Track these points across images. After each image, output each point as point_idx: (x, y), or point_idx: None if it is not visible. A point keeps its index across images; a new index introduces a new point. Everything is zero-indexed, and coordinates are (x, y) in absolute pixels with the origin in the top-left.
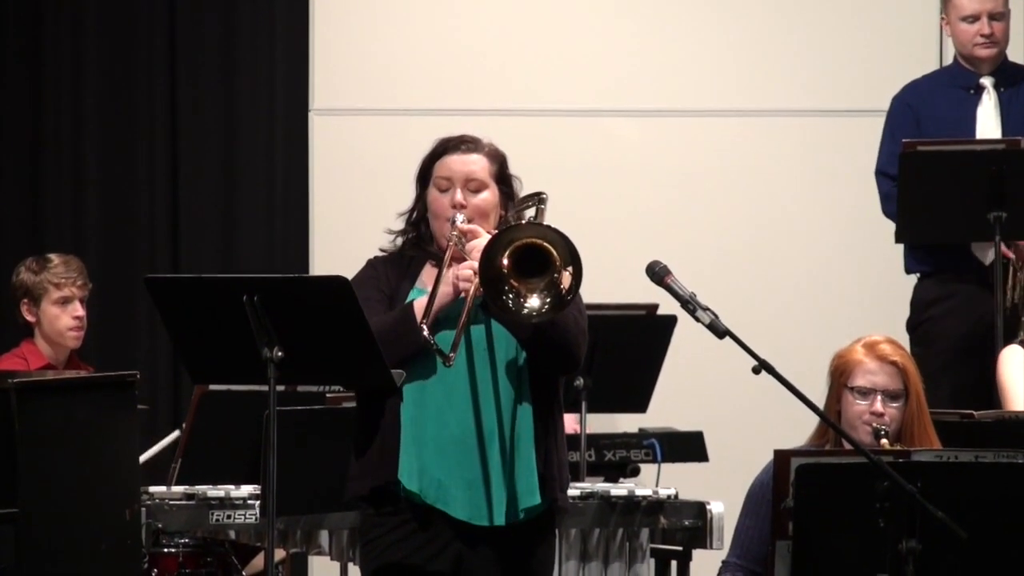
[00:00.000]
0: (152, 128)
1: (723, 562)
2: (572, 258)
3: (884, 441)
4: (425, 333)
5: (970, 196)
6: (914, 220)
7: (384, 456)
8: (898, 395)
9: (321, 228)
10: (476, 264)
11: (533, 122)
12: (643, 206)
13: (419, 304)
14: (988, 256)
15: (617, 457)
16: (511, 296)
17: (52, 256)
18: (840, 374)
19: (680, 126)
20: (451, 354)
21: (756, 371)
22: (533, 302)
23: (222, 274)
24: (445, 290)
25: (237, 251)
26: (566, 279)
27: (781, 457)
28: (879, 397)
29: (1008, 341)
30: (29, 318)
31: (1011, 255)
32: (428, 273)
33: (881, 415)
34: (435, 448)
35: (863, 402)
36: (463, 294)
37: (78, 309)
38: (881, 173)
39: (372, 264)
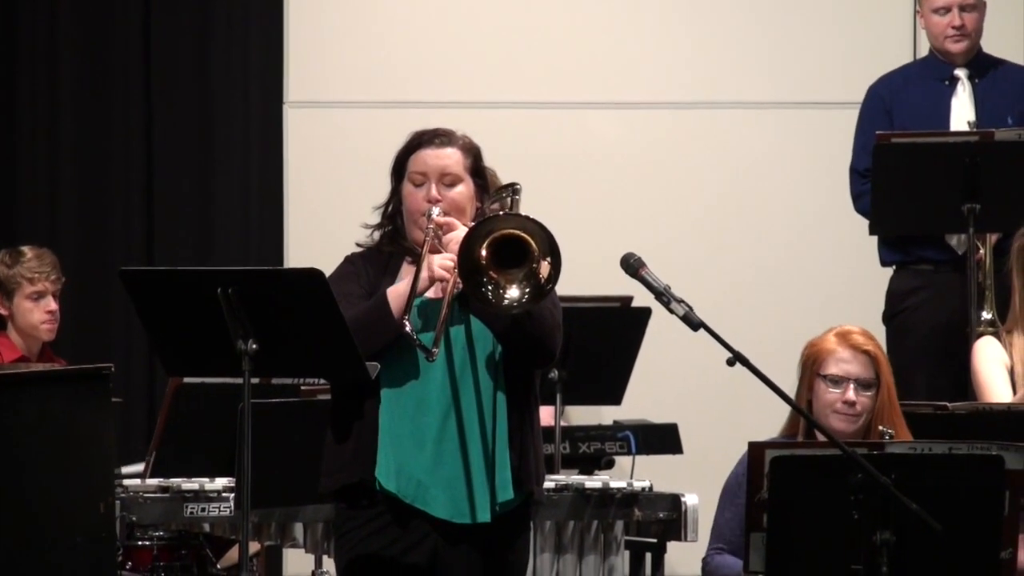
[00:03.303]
0: (127, 121)
1: (708, 553)
2: (550, 248)
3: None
4: (407, 328)
5: (944, 188)
6: (888, 212)
7: (359, 453)
8: (870, 384)
9: (296, 221)
10: (455, 257)
11: (507, 115)
12: (617, 198)
13: (394, 292)
14: (960, 245)
15: (592, 449)
16: (490, 287)
17: (25, 249)
18: (812, 362)
19: (655, 119)
20: (434, 349)
21: (731, 363)
22: (512, 292)
23: (197, 267)
24: (424, 276)
25: (212, 244)
26: (545, 269)
27: (755, 449)
28: (852, 385)
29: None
30: (1, 311)
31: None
32: (407, 271)
33: (853, 403)
34: (413, 446)
35: (835, 390)
36: (442, 283)
37: (51, 304)
38: (852, 170)
39: (350, 260)
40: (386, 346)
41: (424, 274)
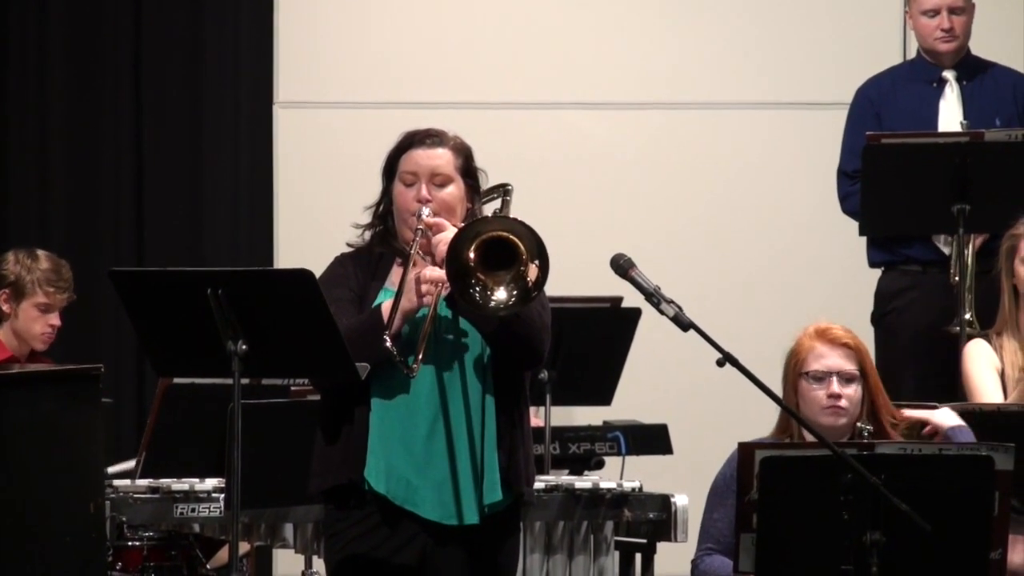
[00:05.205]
0: (117, 120)
1: (697, 555)
2: (539, 251)
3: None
4: (388, 344)
5: (934, 189)
6: (878, 213)
7: (349, 454)
8: (853, 377)
9: (285, 221)
10: (441, 271)
11: (498, 115)
12: (608, 199)
13: (386, 308)
14: (947, 245)
15: (581, 450)
16: (478, 289)
17: (42, 255)
18: (793, 364)
19: (645, 119)
20: (414, 365)
21: (720, 364)
22: (500, 295)
23: (186, 267)
24: (408, 298)
25: (202, 244)
26: (532, 272)
27: (745, 450)
28: (834, 379)
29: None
30: (4, 308)
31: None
32: (396, 273)
33: (839, 396)
34: (403, 447)
35: (819, 387)
36: (426, 303)
37: (55, 318)
38: (840, 172)
39: (340, 261)
40: (380, 362)
41: (408, 298)
